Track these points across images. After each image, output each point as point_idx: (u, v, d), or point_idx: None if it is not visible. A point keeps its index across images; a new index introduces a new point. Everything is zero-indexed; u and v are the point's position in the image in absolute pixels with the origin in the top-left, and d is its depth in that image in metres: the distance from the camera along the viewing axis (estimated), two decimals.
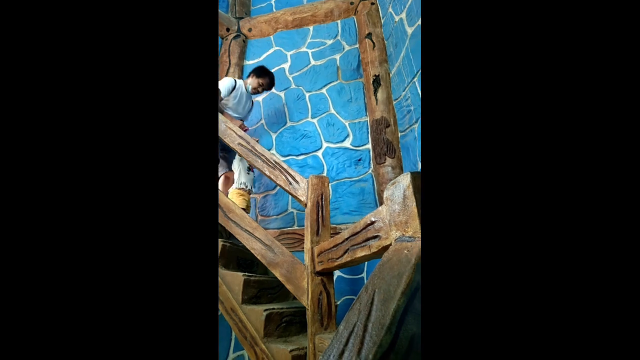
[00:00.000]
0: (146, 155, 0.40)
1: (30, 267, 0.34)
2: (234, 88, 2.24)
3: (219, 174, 2.21)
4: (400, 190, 0.57)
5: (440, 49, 0.40)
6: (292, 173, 1.42)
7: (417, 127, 1.88)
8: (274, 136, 2.77)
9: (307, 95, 2.76)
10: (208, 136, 0.45)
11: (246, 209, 2.03)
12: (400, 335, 0.37)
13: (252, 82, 2.30)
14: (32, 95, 0.37)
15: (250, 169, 2.16)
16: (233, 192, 2.05)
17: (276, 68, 3.01)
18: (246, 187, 2.09)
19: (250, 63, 3.14)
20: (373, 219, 0.70)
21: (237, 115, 2.29)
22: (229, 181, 2.22)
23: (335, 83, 2.70)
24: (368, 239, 0.73)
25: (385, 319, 0.37)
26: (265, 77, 2.31)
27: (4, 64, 0.36)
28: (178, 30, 0.45)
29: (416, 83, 1.91)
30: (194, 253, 0.40)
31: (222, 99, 2.17)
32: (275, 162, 1.46)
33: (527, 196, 0.33)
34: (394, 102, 2.25)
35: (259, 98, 2.91)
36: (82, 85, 0.40)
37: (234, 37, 3.11)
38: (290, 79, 2.90)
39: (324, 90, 2.72)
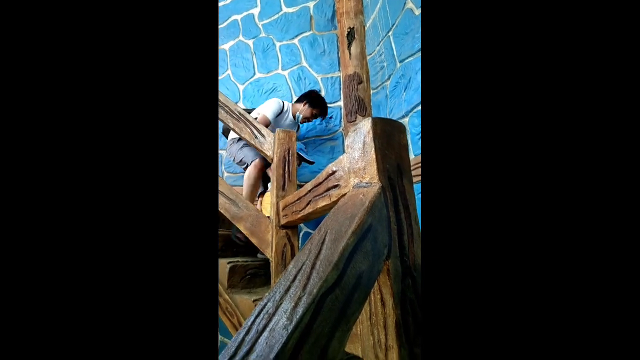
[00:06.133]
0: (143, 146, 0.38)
1: (28, 262, 0.32)
2: (280, 112, 1.98)
3: (250, 160, 1.83)
4: (360, 136, 0.55)
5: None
6: (258, 126, 1.35)
7: (389, 84, 1.84)
8: (241, 88, 2.61)
9: (277, 45, 2.58)
10: (207, 129, 0.42)
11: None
12: (347, 272, 0.38)
13: (304, 110, 2.01)
14: (30, 93, 0.35)
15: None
16: (267, 194, 1.79)
17: (244, 13, 2.75)
18: None
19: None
20: (334, 169, 0.69)
21: None
22: (259, 170, 1.84)
23: (308, 34, 2.53)
24: (329, 189, 0.72)
25: (333, 257, 0.37)
26: (317, 106, 2.03)
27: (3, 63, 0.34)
28: (176, 23, 0.41)
29: (391, 38, 1.84)
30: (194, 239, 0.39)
31: (269, 124, 1.88)
32: (240, 113, 1.37)
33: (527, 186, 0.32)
34: (368, 57, 2.17)
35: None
36: (79, 82, 0.37)
37: None
38: (260, 26, 2.68)
39: (295, 41, 2.54)
